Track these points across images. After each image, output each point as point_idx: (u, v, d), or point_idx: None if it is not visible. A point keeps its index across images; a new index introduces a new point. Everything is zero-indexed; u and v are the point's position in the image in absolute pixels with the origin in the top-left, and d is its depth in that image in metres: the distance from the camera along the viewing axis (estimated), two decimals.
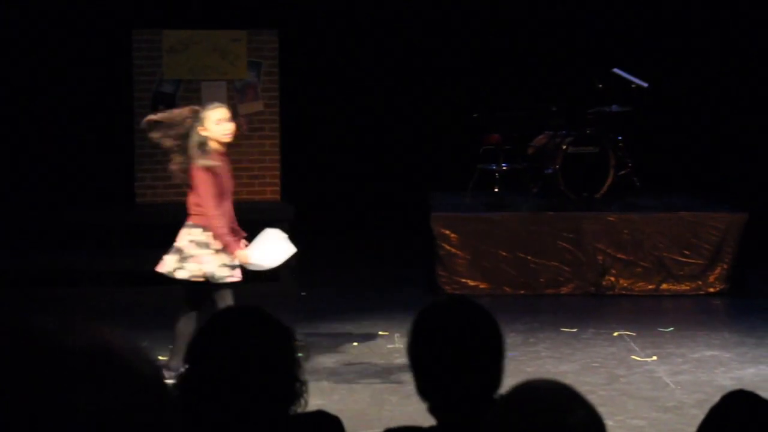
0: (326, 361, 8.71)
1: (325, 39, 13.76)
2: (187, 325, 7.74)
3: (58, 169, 12.76)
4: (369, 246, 13.11)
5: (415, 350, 3.03)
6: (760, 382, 7.88)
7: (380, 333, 9.58)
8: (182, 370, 2.91)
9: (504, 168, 12.10)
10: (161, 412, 1.07)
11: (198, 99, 12.11)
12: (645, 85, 12.12)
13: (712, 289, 11.17)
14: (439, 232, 11.21)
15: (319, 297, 11.08)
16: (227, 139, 7.72)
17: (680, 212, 11.40)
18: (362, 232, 13.42)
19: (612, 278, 11.19)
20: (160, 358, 8.17)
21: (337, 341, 9.34)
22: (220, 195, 7.69)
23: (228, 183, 7.82)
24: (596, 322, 9.95)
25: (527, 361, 8.67)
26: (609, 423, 7.02)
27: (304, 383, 2.99)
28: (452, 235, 11.20)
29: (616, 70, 12.19)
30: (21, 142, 12.77)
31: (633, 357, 8.86)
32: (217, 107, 7.78)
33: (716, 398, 2.94)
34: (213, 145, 7.67)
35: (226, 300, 7.73)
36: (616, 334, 9.51)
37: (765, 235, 11.83)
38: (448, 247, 11.21)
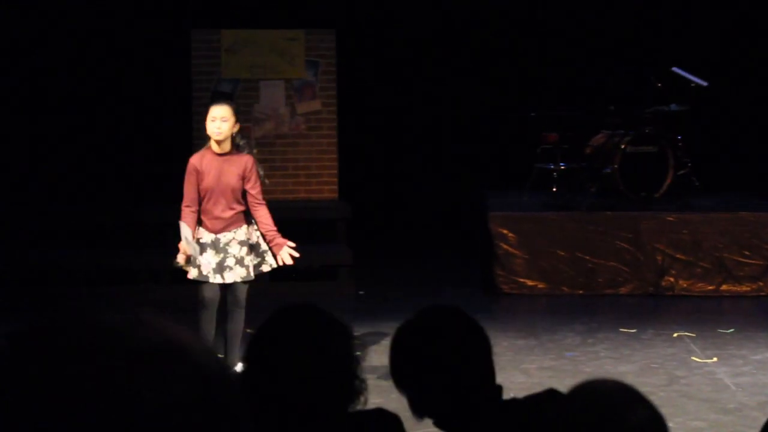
0: (383, 360, 8.68)
1: (382, 37, 13.76)
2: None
3: (117, 168, 12.85)
4: (426, 245, 13.09)
5: (398, 370, 3.07)
6: None
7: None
8: (240, 368, 2.93)
9: (562, 167, 12.04)
10: (229, 408, 1.07)
11: (256, 98, 12.17)
12: (704, 83, 12.00)
13: None
14: (496, 231, 11.17)
15: (376, 296, 11.08)
16: (216, 137, 7.69)
17: (740, 212, 11.29)
18: (419, 231, 13.40)
19: (671, 279, 11.10)
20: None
21: None
22: (204, 194, 7.71)
23: (217, 184, 7.74)
24: (655, 323, 9.87)
25: (586, 361, 8.62)
26: (669, 425, 6.96)
27: (363, 381, 2.99)
28: (510, 234, 11.16)
29: (675, 69, 12.09)
30: (82, 142, 12.88)
31: (693, 358, 8.77)
32: (217, 104, 7.83)
33: None
34: (211, 142, 7.76)
35: (198, 295, 7.84)
36: (675, 335, 9.43)
37: None
38: (505, 247, 11.17)
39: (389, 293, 11.18)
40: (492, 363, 3.06)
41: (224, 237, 7.78)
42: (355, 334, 3.18)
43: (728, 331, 9.65)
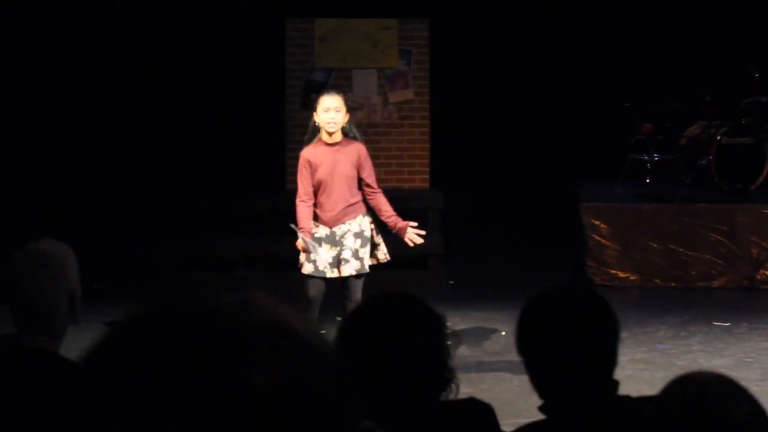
0: (474, 350, 8.71)
1: (476, 27, 13.73)
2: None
3: (213, 157, 12.99)
4: (517, 235, 13.05)
5: (525, 342, 3.01)
6: None
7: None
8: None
9: (656, 158, 11.93)
10: (337, 389, 1.09)
11: (349, 87, 12.22)
12: None
13: None
14: (589, 222, 11.10)
15: (466, 285, 11.08)
16: (329, 128, 7.54)
17: None
18: (510, 221, 13.36)
19: (766, 272, 10.94)
20: None
21: (484, 331, 9.33)
22: (319, 186, 7.60)
23: (330, 176, 7.62)
24: (750, 317, 9.74)
25: (679, 354, 8.54)
26: None
27: (453, 371, 3.00)
28: (602, 225, 11.09)
29: None
30: (179, 131, 13.03)
31: None
32: (329, 95, 7.67)
33: None
34: (323, 133, 7.59)
35: (303, 291, 7.73)
36: None
37: None
38: (597, 238, 11.10)
39: (479, 283, 11.17)
40: (615, 356, 3.00)
41: (339, 230, 7.67)
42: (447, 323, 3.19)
43: None
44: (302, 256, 7.72)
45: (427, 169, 12.42)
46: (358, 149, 7.67)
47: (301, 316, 1.13)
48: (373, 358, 2.86)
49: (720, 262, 10.96)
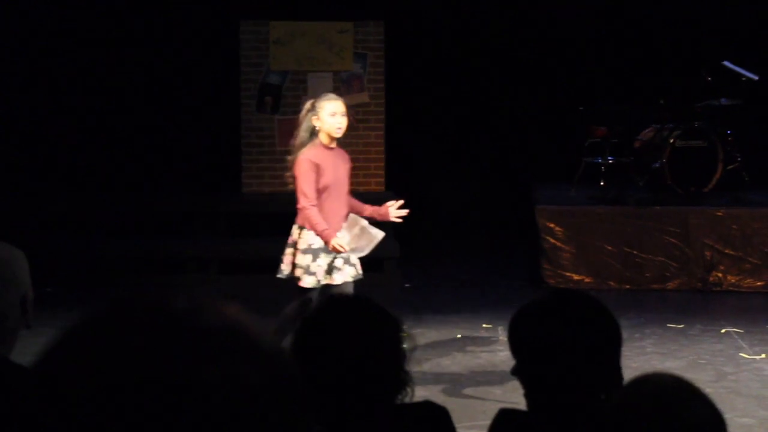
0: (430, 353, 8.71)
1: (430, 30, 13.74)
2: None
3: (167, 159, 12.93)
4: (472, 238, 13.09)
5: (519, 348, 2.99)
6: None
7: (484, 325, 9.56)
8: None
9: (610, 161, 11.98)
10: (291, 391, 1.09)
11: (304, 90, 12.20)
12: (755, 77, 11.91)
13: None
14: (544, 225, 11.15)
15: (422, 289, 11.09)
16: (338, 134, 7.48)
17: None
18: (466, 224, 13.39)
19: (720, 274, 11.02)
20: None
21: (440, 333, 9.34)
22: (324, 190, 7.44)
23: (338, 180, 7.53)
24: (703, 319, 9.81)
25: (633, 356, 8.57)
26: None
27: (408, 374, 2.99)
28: (557, 228, 11.13)
29: (725, 63, 12.00)
30: (132, 132, 12.97)
31: (741, 354, 8.72)
32: (333, 99, 7.56)
33: None
34: (323, 137, 7.48)
35: (302, 303, 7.49)
36: (723, 331, 9.37)
37: None
38: (552, 241, 11.14)
39: (435, 286, 11.19)
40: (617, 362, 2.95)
41: (338, 235, 7.47)
42: (403, 326, 3.18)
43: None
44: (298, 270, 7.46)
45: (383, 172, 12.42)
46: (347, 155, 7.73)
47: (255, 320, 1.12)
48: (329, 361, 2.85)
49: (673, 264, 11.03)
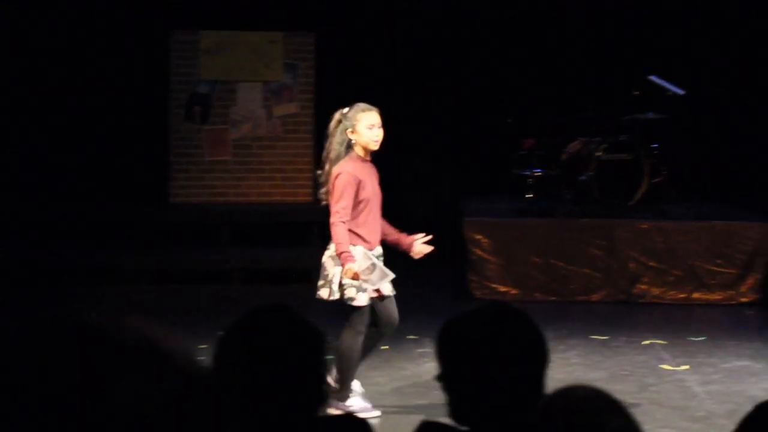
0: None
1: (361, 41, 13.77)
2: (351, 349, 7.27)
3: (95, 168, 12.84)
4: (400, 250, 13.08)
5: (446, 360, 3.00)
6: None
7: (409, 337, 9.58)
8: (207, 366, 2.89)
9: (537, 174, 12.08)
10: (208, 408, 1.10)
11: (234, 100, 12.18)
12: (681, 92, 12.07)
13: (744, 299, 11.12)
14: (471, 237, 11.20)
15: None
16: (376, 146, 7.21)
17: (713, 221, 11.36)
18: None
19: (644, 286, 11.15)
20: None
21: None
22: (364, 205, 7.18)
23: (375, 194, 7.28)
24: (627, 330, 9.92)
25: (557, 368, 8.61)
26: None
27: (330, 385, 3.00)
28: (484, 240, 11.20)
29: (652, 77, 12.15)
30: (60, 140, 12.86)
31: (663, 366, 8.83)
32: (369, 110, 7.29)
33: (746, 408, 2.93)
34: (359, 150, 7.19)
35: (355, 325, 7.22)
36: (646, 342, 9.48)
37: None
38: (479, 252, 11.20)
39: None
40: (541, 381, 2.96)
41: (377, 250, 7.31)
42: (327, 338, 3.18)
43: (699, 339, 9.71)
44: (349, 290, 7.12)
45: (311, 183, 12.40)
46: (375, 168, 7.39)
47: (176, 338, 1.14)
48: (251, 372, 2.85)
49: (599, 276, 11.14)
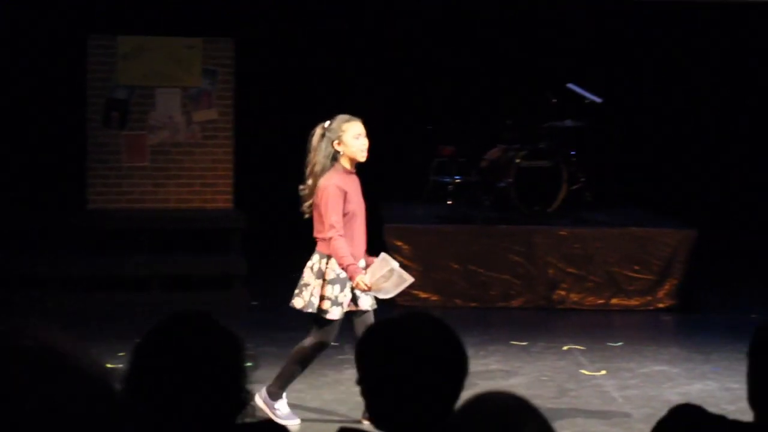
0: (276, 371, 8.66)
1: (281, 47, 13.74)
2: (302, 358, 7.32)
3: (10, 173, 12.66)
4: None
5: (365, 366, 2.99)
6: (706, 398, 7.95)
7: (332, 343, 9.55)
8: (124, 371, 2.87)
9: (457, 180, 12.13)
10: (108, 411, 1.09)
11: (152, 106, 12.07)
12: (598, 100, 12.20)
13: (661, 305, 11.25)
14: (391, 243, 11.21)
15: (270, 307, 11.04)
16: (363, 157, 7.17)
17: (631, 228, 11.48)
18: (315, 242, 13.36)
19: (562, 292, 11.23)
20: None
21: (287, 351, 9.28)
22: (350, 217, 7.11)
23: (360, 205, 7.22)
24: (546, 336, 9.99)
25: (477, 374, 8.66)
26: None
27: (249, 392, 2.98)
28: (404, 246, 11.21)
29: (570, 85, 12.26)
30: None
31: (582, 371, 8.90)
32: (354, 120, 7.26)
33: (663, 413, 2.96)
34: (345, 162, 7.14)
35: (320, 336, 7.25)
36: (565, 348, 9.55)
37: (714, 251, 11.92)
38: (400, 259, 11.18)
39: (283, 304, 11.14)
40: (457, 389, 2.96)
41: (361, 263, 7.19)
42: (245, 344, 3.17)
43: (617, 344, 9.81)
44: (325, 302, 7.11)
45: (231, 189, 12.34)
46: (359, 180, 7.33)
47: (78, 343, 1.12)
48: (166, 380, 2.82)
49: (518, 282, 11.21)
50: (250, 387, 3.00)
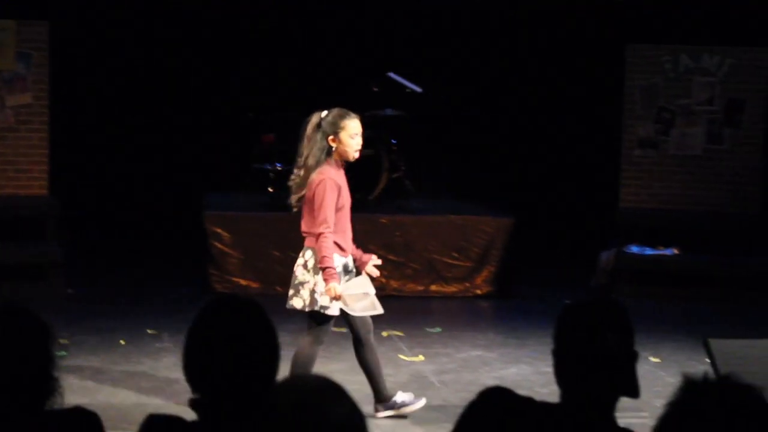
0: (92, 359, 8.54)
1: (100, 32, 13.50)
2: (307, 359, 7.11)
3: None
4: (142, 244, 12.94)
5: (190, 349, 2.99)
6: (520, 381, 8.13)
7: (149, 331, 9.46)
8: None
9: (278, 168, 12.10)
10: None
11: None
12: (419, 90, 12.32)
13: (479, 291, 11.44)
14: (211, 230, 11.15)
15: (87, 295, 10.87)
16: (356, 155, 7.08)
17: (450, 216, 11.64)
18: (136, 229, 13.22)
19: (383, 279, 11.29)
20: None
21: (104, 339, 9.18)
22: (337, 212, 6.98)
23: (347, 201, 7.12)
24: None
25: None
26: (375, 421, 7.10)
27: (57, 380, 3.01)
28: (225, 233, 11.16)
29: (390, 75, 12.35)
30: None
31: (401, 356, 9.00)
32: (354, 118, 7.07)
33: None
34: (336, 157, 7.01)
35: (318, 335, 7.09)
36: (385, 334, 9.62)
37: (531, 239, 12.16)
38: (220, 246, 11.15)
39: (100, 292, 10.99)
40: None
41: (350, 259, 7.14)
42: (57, 333, 3.18)
43: (435, 330, 9.94)
44: (324, 298, 6.93)
45: (46, 175, 12.05)
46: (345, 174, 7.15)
47: None
48: None
49: None
50: (58, 374, 3.04)
